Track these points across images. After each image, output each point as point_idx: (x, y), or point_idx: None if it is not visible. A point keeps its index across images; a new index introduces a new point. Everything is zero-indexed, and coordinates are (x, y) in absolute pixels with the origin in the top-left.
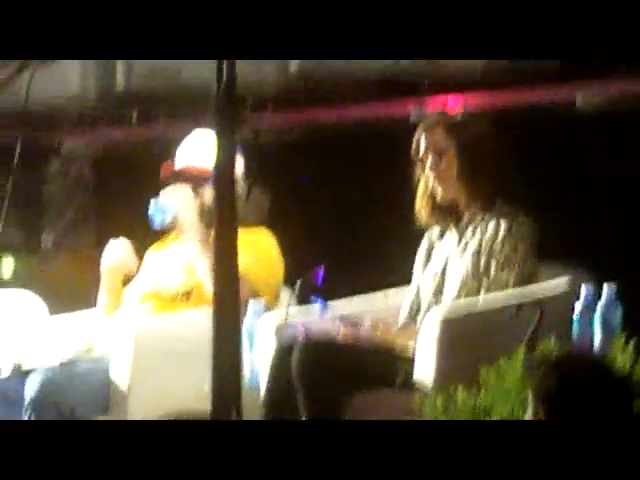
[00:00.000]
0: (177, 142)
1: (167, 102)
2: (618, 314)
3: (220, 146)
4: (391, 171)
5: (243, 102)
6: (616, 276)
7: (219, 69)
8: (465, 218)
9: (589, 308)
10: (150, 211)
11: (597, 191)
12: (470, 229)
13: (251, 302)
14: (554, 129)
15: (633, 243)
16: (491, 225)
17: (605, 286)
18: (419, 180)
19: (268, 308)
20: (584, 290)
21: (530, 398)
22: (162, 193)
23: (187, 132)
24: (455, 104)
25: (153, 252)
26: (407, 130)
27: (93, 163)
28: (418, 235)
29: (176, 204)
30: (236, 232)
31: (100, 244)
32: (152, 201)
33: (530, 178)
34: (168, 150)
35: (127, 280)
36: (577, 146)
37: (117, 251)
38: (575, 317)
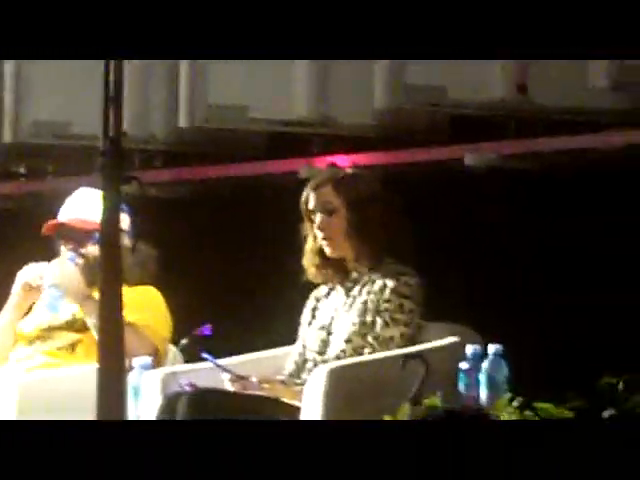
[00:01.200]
0: (64, 197)
1: (55, 157)
2: (503, 373)
3: (106, 202)
4: (280, 227)
5: (131, 157)
6: (502, 337)
7: (105, 125)
8: (352, 276)
9: (475, 367)
10: (47, 304)
11: (485, 252)
12: (357, 287)
13: (136, 358)
14: (443, 187)
15: (519, 305)
16: (378, 283)
17: (490, 346)
18: (307, 237)
19: (154, 364)
20: (470, 349)
21: None
22: (46, 279)
23: (75, 188)
24: (344, 162)
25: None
26: (296, 186)
27: None
28: (305, 293)
29: (57, 277)
30: (121, 289)
31: None
32: (45, 295)
33: (418, 237)
34: (55, 205)
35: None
36: (465, 205)
37: (35, 270)
38: (460, 375)
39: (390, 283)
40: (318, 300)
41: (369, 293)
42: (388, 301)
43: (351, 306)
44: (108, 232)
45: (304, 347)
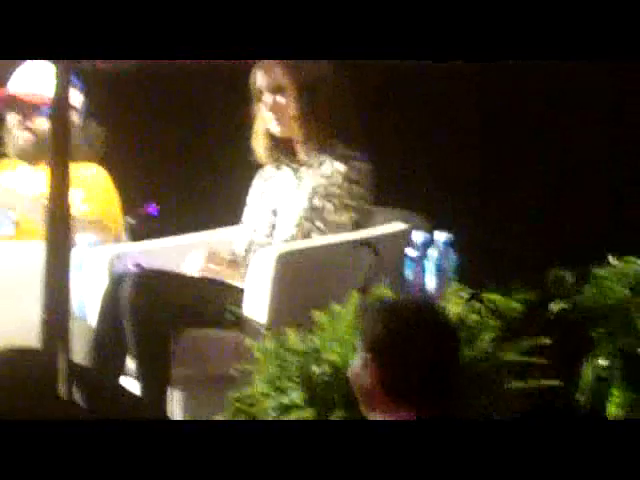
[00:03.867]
0: (10, 68)
1: None
2: (451, 262)
3: (56, 78)
4: (227, 106)
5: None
6: (451, 225)
7: None
8: (301, 158)
9: (422, 254)
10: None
11: (437, 138)
12: (305, 169)
13: (81, 235)
14: (391, 70)
15: (470, 192)
16: (327, 167)
17: (437, 233)
18: (255, 117)
19: (101, 242)
20: (418, 237)
21: (359, 344)
22: None
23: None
24: None
25: None
26: (244, 65)
27: None
28: (252, 174)
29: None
30: (68, 165)
31: None
32: None
33: (368, 121)
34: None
35: None
36: (414, 90)
37: None
38: (407, 262)
39: (340, 167)
40: (265, 181)
41: (318, 176)
42: (337, 186)
43: (299, 189)
44: (57, 107)
45: (252, 230)
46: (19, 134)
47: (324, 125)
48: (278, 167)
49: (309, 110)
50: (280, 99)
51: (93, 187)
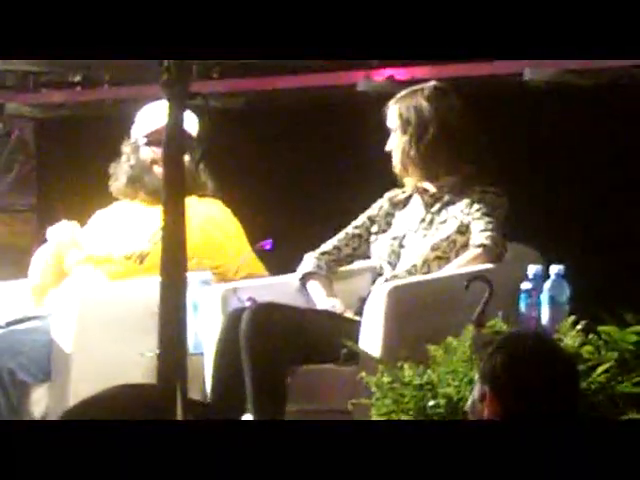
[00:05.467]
0: (121, 106)
1: (112, 66)
2: (565, 295)
3: (170, 112)
4: (339, 140)
5: (189, 68)
6: (566, 259)
7: None
8: (432, 191)
9: (536, 287)
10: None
11: (546, 172)
12: (436, 202)
13: (195, 272)
14: (502, 103)
15: (584, 226)
16: (460, 202)
17: (552, 266)
18: (392, 149)
19: (216, 279)
20: (532, 270)
21: (477, 378)
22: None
23: (131, 96)
24: (402, 75)
25: (106, 214)
26: (355, 98)
27: (35, 126)
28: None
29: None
30: (184, 202)
31: (40, 207)
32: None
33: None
34: (111, 114)
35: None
36: (524, 123)
37: (65, 232)
38: (522, 296)
39: (475, 205)
40: (394, 206)
41: (450, 210)
42: (468, 221)
43: (430, 223)
44: (172, 146)
45: (377, 256)
46: (158, 170)
47: (458, 162)
48: (409, 195)
49: (446, 146)
50: (407, 136)
51: (213, 223)
